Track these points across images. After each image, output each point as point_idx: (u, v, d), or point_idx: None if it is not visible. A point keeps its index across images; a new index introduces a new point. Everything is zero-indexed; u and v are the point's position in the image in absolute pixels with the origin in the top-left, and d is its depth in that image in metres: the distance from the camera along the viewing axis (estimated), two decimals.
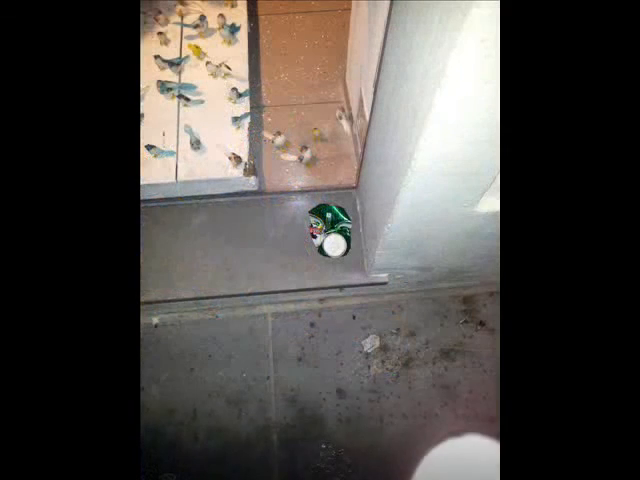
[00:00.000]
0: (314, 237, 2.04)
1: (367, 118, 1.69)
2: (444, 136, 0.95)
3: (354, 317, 2.24)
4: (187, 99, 2.10)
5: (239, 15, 2.35)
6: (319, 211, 2.03)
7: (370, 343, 2.17)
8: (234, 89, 2.08)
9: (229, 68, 2.18)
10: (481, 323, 2.24)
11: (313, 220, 2.04)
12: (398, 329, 2.23)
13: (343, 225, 2.03)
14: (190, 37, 2.27)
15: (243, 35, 2.30)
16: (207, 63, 2.14)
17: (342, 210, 2.03)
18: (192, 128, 2.04)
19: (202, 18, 2.24)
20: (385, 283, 1.98)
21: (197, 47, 2.17)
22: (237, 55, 2.25)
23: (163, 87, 2.09)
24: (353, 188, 2.14)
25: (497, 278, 2.10)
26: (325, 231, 2.03)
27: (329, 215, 2.03)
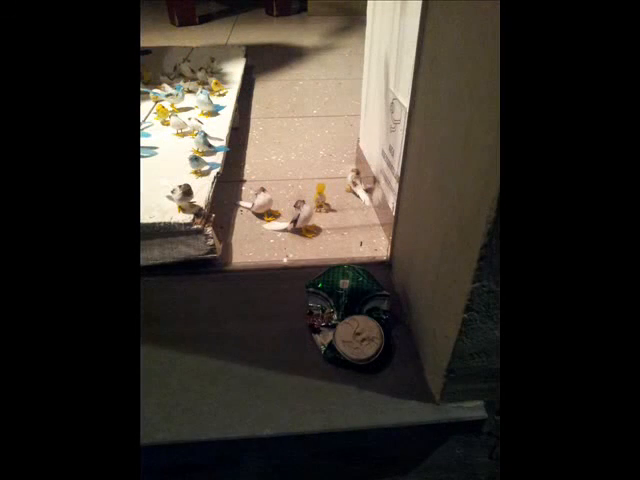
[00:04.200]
0: (315, 331, 1.02)
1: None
2: None
3: None
4: None
5: (227, 101, 1.96)
6: (326, 282, 1.08)
7: None
8: (204, 135, 1.46)
9: (201, 122, 1.62)
10: None
11: (312, 302, 1.07)
12: None
13: (374, 303, 1.04)
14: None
15: (227, 112, 1.85)
16: (171, 115, 1.60)
17: (367, 273, 1.08)
18: None
19: (178, 87, 1.84)
20: (482, 421, 0.86)
21: (163, 107, 1.67)
22: (218, 123, 1.74)
23: None
24: (383, 263, 1.25)
25: None
26: (340, 317, 1.03)
27: (345, 282, 1.07)
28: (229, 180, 1.64)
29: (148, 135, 1.57)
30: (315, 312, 1.06)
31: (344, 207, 1.52)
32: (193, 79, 2.05)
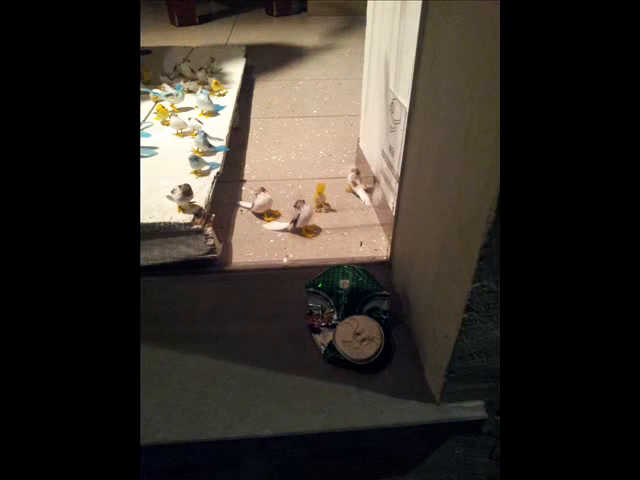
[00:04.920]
0: (315, 331, 1.02)
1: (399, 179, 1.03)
2: None
3: None
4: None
5: (227, 101, 1.96)
6: (326, 282, 1.08)
7: None
8: (204, 135, 1.46)
9: (201, 122, 1.62)
10: None
11: (312, 302, 1.07)
12: None
13: (374, 303, 1.04)
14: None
15: (227, 112, 1.85)
16: (171, 115, 1.60)
17: (367, 273, 1.08)
18: None
19: (178, 87, 1.84)
20: (482, 421, 0.86)
21: (163, 107, 1.67)
22: (218, 123, 1.74)
23: None
24: (383, 263, 1.25)
25: None
26: (340, 317, 1.03)
27: (345, 282, 1.07)
28: (229, 180, 1.64)
29: (148, 135, 1.57)
30: (315, 312, 1.06)
31: (344, 207, 1.52)
32: (193, 79, 2.05)
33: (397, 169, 1.21)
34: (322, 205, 1.47)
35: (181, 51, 2.57)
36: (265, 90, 2.48)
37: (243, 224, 1.43)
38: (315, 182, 1.55)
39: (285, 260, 1.27)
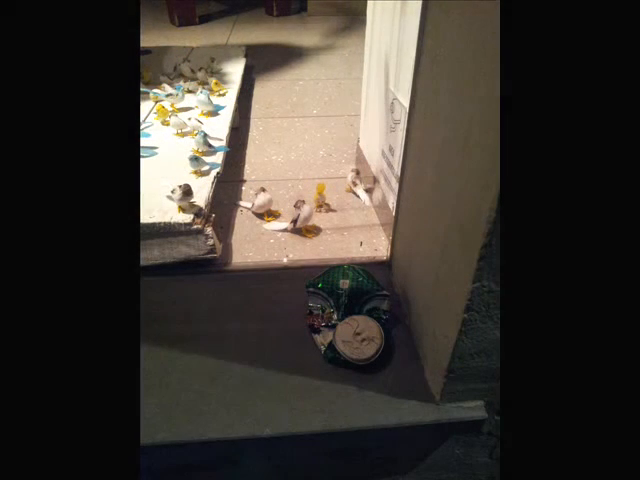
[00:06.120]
0: (315, 331, 1.02)
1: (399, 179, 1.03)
2: None
3: None
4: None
5: (227, 101, 1.96)
6: (326, 282, 1.08)
7: None
8: (204, 135, 1.46)
9: (201, 122, 1.62)
10: None
11: (312, 302, 1.07)
12: None
13: (374, 303, 1.04)
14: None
15: (227, 112, 1.85)
16: (171, 115, 1.60)
17: (367, 273, 1.08)
18: None
19: (178, 87, 1.84)
20: (482, 421, 0.86)
21: (163, 107, 1.67)
22: (218, 123, 1.74)
23: None
24: (383, 263, 1.25)
25: None
26: (340, 317, 1.03)
27: (345, 282, 1.07)
28: (229, 180, 1.64)
29: (148, 135, 1.57)
30: (315, 312, 1.06)
31: (344, 207, 1.52)
32: (193, 79, 2.05)
33: (397, 169, 1.21)
34: (322, 205, 1.47)
35: (181, 51, 2.57)
36: (265, 90, 2.48)
37: (243, 224, 1.43)
38: (315, 182, 1.55)
39: (285, 260, 1.27)
